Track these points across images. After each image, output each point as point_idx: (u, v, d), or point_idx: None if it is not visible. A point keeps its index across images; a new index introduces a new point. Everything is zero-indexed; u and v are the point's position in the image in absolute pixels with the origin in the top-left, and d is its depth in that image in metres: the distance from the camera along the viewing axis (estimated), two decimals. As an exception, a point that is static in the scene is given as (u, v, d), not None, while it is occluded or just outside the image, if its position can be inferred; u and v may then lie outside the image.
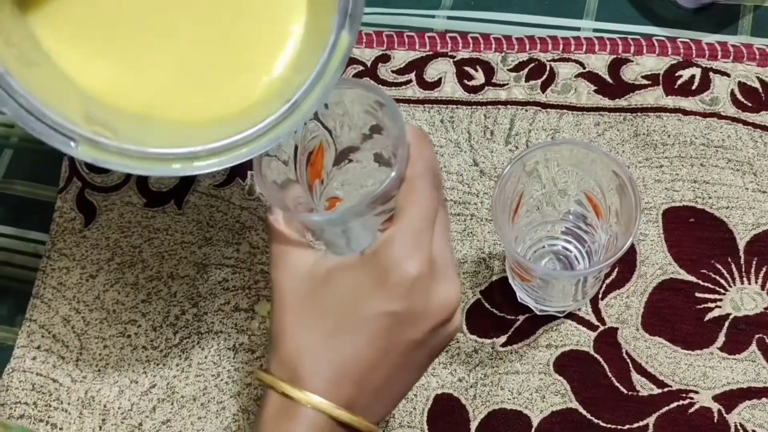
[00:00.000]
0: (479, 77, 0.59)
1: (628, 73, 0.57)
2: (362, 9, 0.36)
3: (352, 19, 0.36)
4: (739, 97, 0.56)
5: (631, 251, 0.53)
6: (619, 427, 0.49)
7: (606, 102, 0.57)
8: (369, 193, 0.36)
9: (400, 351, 0.37)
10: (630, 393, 0.50)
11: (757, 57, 0.56)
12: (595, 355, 0.51)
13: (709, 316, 0.51)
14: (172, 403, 0.53)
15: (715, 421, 0.48)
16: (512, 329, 0.52)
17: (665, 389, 0.49)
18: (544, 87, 0.58)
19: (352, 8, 0.36)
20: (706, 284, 0.51)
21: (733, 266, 0.52)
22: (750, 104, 0.55)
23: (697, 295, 0.51)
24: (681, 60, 0.57)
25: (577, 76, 0.58)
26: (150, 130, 0.37)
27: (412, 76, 0.60)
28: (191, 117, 0.38)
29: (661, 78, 0.57)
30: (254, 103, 0.39)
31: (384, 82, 0.60)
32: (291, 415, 0.36)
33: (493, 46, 0.60)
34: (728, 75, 0.56)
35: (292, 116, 0.37)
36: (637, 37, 0.58)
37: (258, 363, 0.53)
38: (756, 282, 0.51)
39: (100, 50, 0.38)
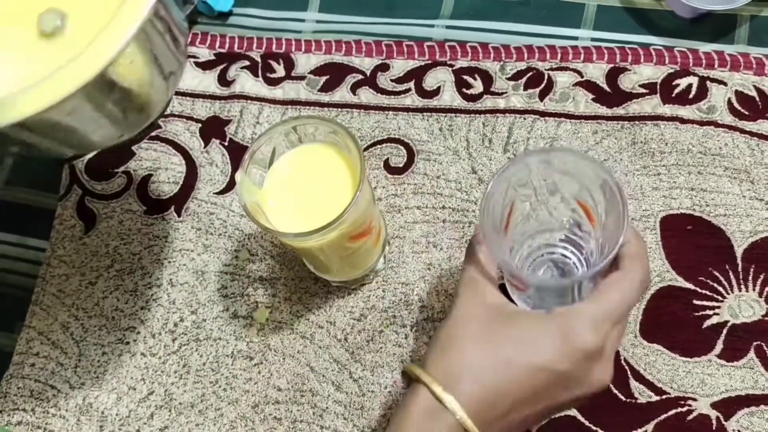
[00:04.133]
0: (478, 86, 0.59)
1: (626, 82, 0.58)
2: None
3: None
4: (736, 105, 0.56)
5: (629, 258, 0.53)
6: (618, 434, 0.49)
7: (604, 110, 0.57)
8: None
9: (544, 404, 0.40)
10: (628, 400, 0.50)
11: (754, 66, 0.57)
12: (593, 363, 0.51)
13: (707, 323, 0.51)
14: (170, 410, 0.53)
15: (714, 428, 0.48)
16: (510, 336, 0.52)
17: (664, 396, 0.49)
18: (542, 96, 0.58)
19: None
20: (704, 291, 0.51)
21: (730, 274, 0.52)
22: (747, 113, 0.56)
23: (695, 302, 0.51)
24: (678, 69, 0.57)
25: (575, 84, 0.58)
26: None
27: (411, 84, 0.60)
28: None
29: (658, 87, 0.57)
30: None
31: (383, 91, 0.60)
32: (436, 417, 0.39)
33: (492, 55, 0.60)
34: (725, 84, 0.56)
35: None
36: (635, 46, 0.59)
37: (256, 370, 0.53)
38: (754, 289, 0.51)
39: None
